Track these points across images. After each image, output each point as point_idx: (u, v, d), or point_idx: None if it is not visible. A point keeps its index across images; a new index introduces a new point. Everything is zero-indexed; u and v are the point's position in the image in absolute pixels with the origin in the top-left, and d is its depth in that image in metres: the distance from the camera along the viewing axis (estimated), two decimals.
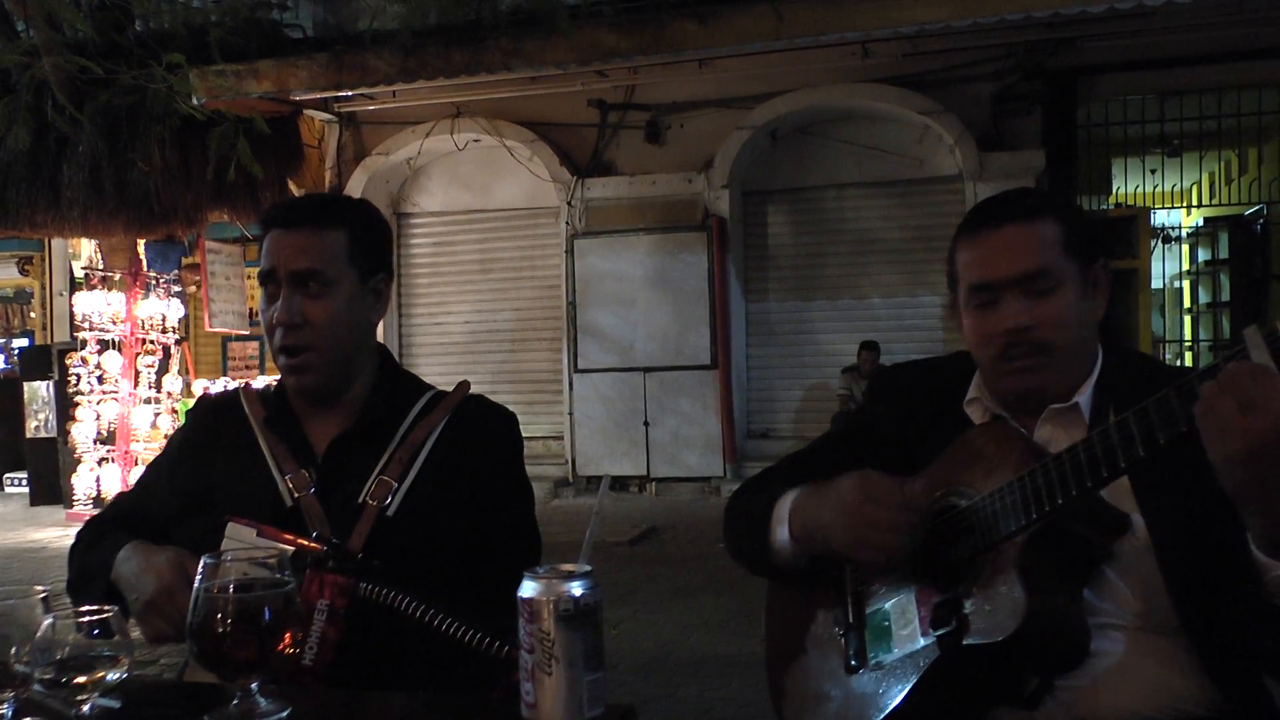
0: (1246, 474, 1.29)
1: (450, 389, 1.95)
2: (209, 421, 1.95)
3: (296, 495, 1.77)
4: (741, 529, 1.84)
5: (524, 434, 1.95)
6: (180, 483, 1.88)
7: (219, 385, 9.99)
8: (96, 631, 1.21)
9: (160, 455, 2.00)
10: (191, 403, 9.33)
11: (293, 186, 10.71)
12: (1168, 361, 5.77)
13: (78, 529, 1.94)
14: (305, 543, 1.65)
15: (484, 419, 1.90)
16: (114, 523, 1.89)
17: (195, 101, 8.53)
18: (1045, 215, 1.65)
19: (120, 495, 2.06)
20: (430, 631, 1.54)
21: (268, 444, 1.84)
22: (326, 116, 11.09)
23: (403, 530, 1.74)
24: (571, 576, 1.15)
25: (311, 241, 1.80)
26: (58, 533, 9.20)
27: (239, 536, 1.67)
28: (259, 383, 8.28)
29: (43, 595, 1.21)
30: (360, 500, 1.75)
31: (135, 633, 1.52)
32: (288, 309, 1.78)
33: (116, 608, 1.24)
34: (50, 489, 10.81)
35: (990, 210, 1.69)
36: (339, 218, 1.85)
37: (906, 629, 1.58)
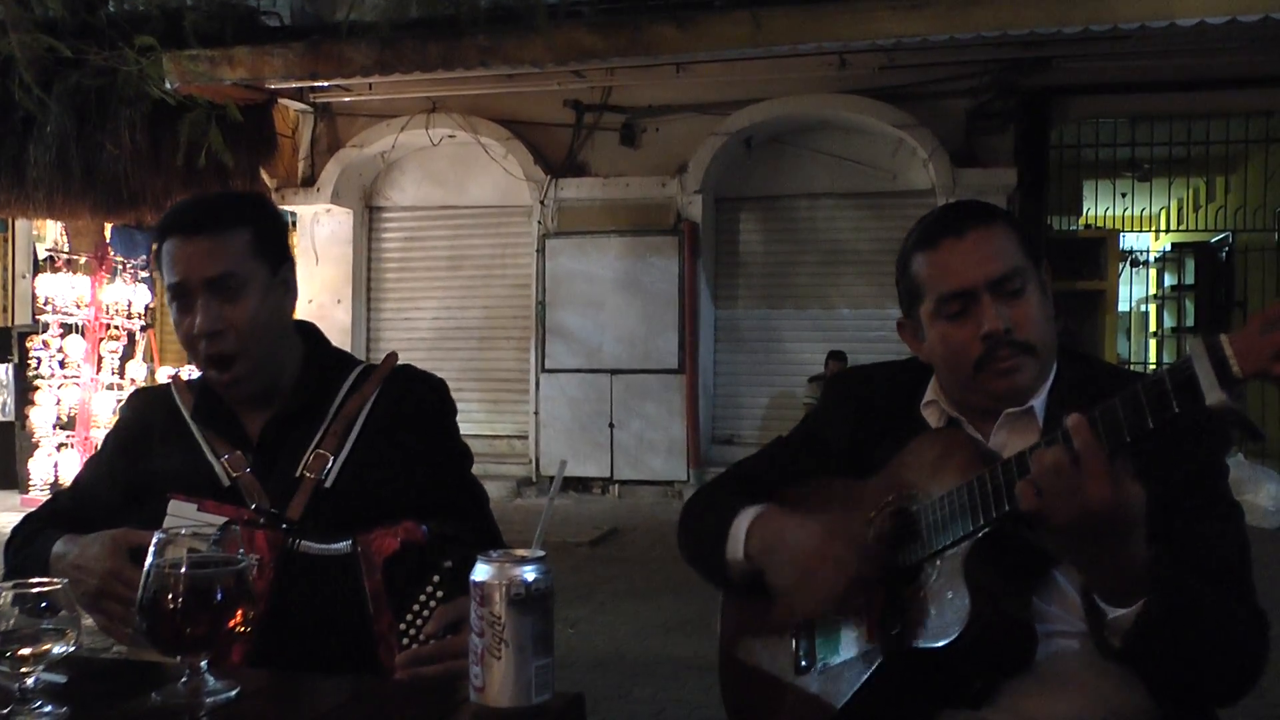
0: (1064, 541, 1.40)
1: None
2: (143, 414, 1.96)
3: (234, 475, 1.79)
4: (697, 540, 1.85)
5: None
6: (120, 476, 1.89)
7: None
8: (44, 604, 1.20)
9: (98, 451, 2.00)
10: None
11: (265, 176, 10.65)
12: None
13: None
14: (245, 513, 1.70)
15: (415, 387, 1.94)
16: (49, 520, 1.87)
17: (168, 86, 8.46)
18: (1000, 219, 1.69)
19: (59, 492, 2.06)
20: (355, 588, 1.64)
21: (200, 431, 1.85)
22: (301, 106, 11.02)
23: (340, 500, 1.76)
24: (524, 561, 1.16)
25: (218, 245, 1.77)
26: (11, 518, 9.03)
27: (181, 513, 1.69)
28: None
29: None
30: (297, 474, 1.78)
31: (90, 620, 1.51)
32: (208, 317, 1.76)
33: (65, 580, 1.24)
34: (6, 473, 10.66)
35: (947, 220, 1.71)
36: (240, 216, 1.82)
37: (854, 632, 1.59)
